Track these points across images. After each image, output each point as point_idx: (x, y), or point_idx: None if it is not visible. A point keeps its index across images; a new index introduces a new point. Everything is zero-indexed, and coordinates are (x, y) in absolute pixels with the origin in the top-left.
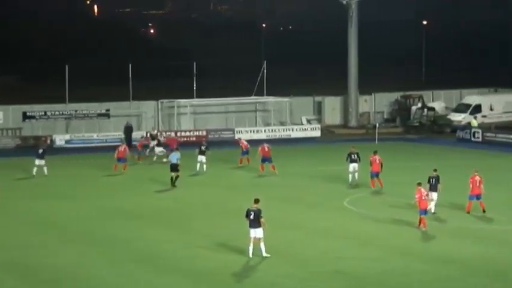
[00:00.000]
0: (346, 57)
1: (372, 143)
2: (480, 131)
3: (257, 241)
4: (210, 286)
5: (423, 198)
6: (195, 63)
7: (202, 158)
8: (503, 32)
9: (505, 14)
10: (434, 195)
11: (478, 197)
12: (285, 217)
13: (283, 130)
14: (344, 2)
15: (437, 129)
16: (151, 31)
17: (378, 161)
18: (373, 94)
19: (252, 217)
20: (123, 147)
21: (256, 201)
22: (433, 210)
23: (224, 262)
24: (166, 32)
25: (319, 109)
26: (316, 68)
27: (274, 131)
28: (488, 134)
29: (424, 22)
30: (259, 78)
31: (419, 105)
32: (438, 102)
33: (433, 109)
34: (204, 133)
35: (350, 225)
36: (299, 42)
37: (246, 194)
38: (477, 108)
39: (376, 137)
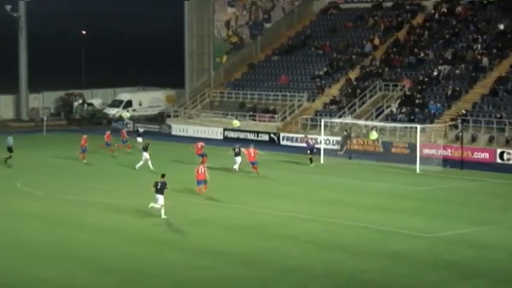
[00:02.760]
0: (18, 62)
1: (40, 134)
2: (131, 122)
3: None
4: None
5: (200, 171)
6: None
7: None
8: (150, 40)
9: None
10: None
11: (253, 163)
12: None
13: None
14: (15, 15)
15: (96, 121)
16: None
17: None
18: (41, 93)
19: (158, 187)
20: None
21: (163, 176)
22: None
23: None
24: None
25: None
26: None
27: None
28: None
29: (84, 32)
30: None
31: (80, 101)
32: (96, 99)
33: (91, 104)
34: None
35: (23, 206)
36: None
37: None
38: (128, 104)
39: (44, 128)
